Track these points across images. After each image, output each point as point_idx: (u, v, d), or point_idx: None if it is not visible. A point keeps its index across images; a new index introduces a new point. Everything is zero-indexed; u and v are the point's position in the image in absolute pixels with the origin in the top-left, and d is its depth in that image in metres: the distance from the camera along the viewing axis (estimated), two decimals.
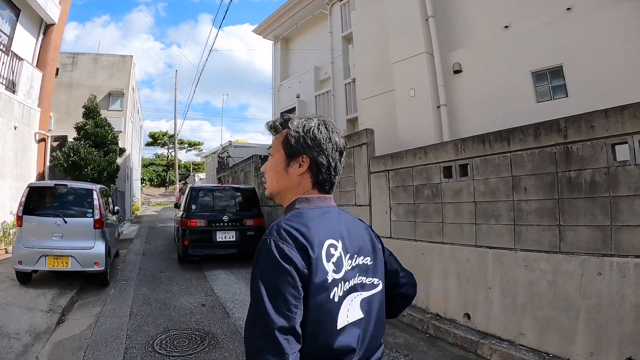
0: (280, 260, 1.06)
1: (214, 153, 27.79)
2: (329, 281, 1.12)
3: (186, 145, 59.80)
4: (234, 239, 9.10)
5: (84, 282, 7.66)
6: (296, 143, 1.28)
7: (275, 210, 10.98)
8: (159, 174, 58.05)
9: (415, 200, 6.43)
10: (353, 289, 1.21)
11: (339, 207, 1.35)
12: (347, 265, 1.20)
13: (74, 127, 14.59)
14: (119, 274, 8.82)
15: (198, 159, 56.23)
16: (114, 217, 9.53)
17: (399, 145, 8.99)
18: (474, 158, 5.40)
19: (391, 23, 10.02)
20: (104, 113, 17.21)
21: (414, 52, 9.35)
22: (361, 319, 1.22)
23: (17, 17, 12.63)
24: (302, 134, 1.28)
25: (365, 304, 1.24)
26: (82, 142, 13.84)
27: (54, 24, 14.25)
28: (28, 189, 7.17)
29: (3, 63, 11.42)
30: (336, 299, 1.14)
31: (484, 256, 5.15)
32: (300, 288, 1.07)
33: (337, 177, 1.32)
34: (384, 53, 10.67)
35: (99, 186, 7.99)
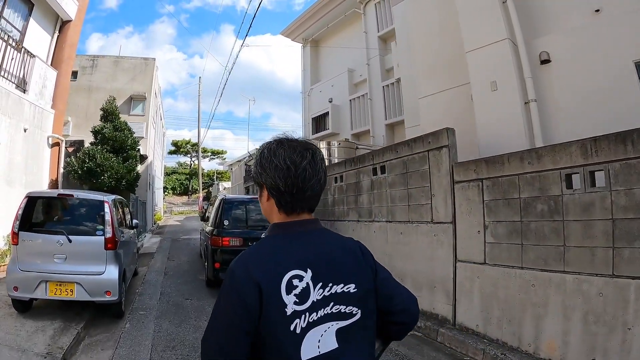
0: (235, 288, 1.12)
1: (240, 161, 26.56)
2: (289, 314, 1.12)
3: (209, 154, 59.02)
4: None
5: (94, 312, 6.30)
6: (254, 173, 1.35)
7: (332, 224, 9.49)
8: (182, 183, 57.32)
9: (523, 217, 4.89)
10: (326, 319, 1.18)
11: (322, 229, 1.33)
12: (316, 295, 1.17)
13: (91, 131, 13.27)
14: (137, 301, 7.40)
15: (221, 168, 55.65)
16: (133, 232, 8.16)
17: (477, 149, 7.57)
18: (612, 162, 4.06)
19: (462, 7, 8.47)
20: (124, 118, 16.00)
21: (494, 38, 7.81)
22: (335, 349, 1.18)
23: (30, 12, 11.54)
24: (255, 162, 1.34)
25: (342, 334, 1.20)
26: (99, 146, 12.54)
27: (70, 21, 13.20)
28: (26, 199, 5.81)
29: (13, 59, 10.29)
30: (298, 331, 1.13)
31: (625, 289, 3.89)
32: (250, 319, 1.10)
33: (299, 194, 1.24)
34: (447, 44, 9.35)
35: (112, 197, 6.60)
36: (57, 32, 12.99)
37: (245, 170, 21.41)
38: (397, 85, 15.47)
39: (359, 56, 17.95)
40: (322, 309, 1.17)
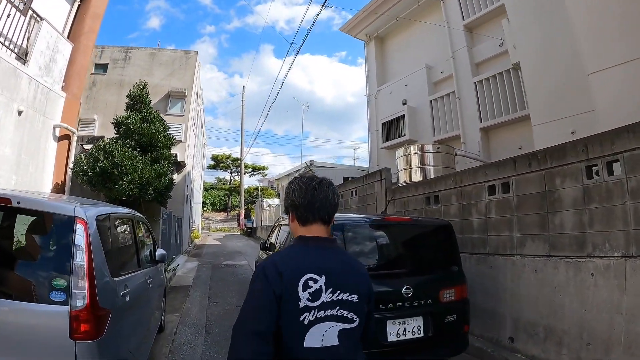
0: (266, 281, 1.41)
1: (288, 176, 23.36)
2: (301, 307, 1.40)
3: (250, 170, 56.33)
4: (422, 334, 3.85)
5: None
6: (285, 202, 1.84)
7: (483, 260, 5.68)
8: (221, 198, 55.02)
9: None
10: (332, 319, 1.45)
11: (336, 247, 1.66)
12: (326, 297, 1.44)
13: (112, 122, 10.02)
14: None
15: (261, 184, 53.58)
16: (157, 268, 4.88)
17: None
18: None
19: None
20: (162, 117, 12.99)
21: None
22: (336, 346, 1.45)
23: None
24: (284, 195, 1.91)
25: (343, 334, 1.46)
26: (120, 141, 9.31)
27: None
28: None
29: (9, 16, 7.47)
30: (306, 322, 1.40)
31: None
32: (276, 302, 1.38)
33: (310, 206, 1.59)
34: None
35: (103, 209, 3.15)
36: (79, 1, 10.18)
37: None
38: (495, 80, 12.24)
39: (438, 50, 14.99)
40: (330, 310, 1.45)
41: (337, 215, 4.46)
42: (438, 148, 10.42)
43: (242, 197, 32.42)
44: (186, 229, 18.68)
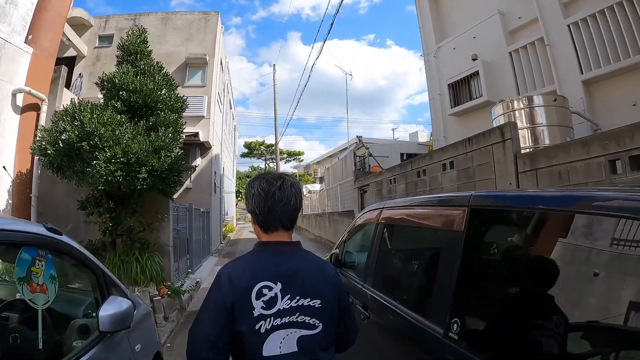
0: (219, 289, 1.38)
1: (331, 157, 20.54)
2: (255, 315, 1.34)
3: (285, 156, 54.34)
4: None
5: None
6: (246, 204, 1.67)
7: None
8: None
9: None
10: (291, 325, 1.38)
11: (299, 250, 1.55)
12: (283, 304, 1.38)
13: (95, 83, 7.09)
14: None
15: (297, 171, 51.89)
16: (113, 341, 2.20)
17: None
18: None
19: None
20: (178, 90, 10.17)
21: None
22: (294, 352, 1.38)
23: None
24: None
25: (303, 341, 1.39)
26: (103, 102, 6.46)
27: None
28: None
29: None
30: (262, 330, 1.35)
31: None
32: (228, 314, 1.34)
33: (270, 214, 1.50)
34: None
35: None
36: None
37: (356, 163, 15.05)
38: (595, 20, 9.53)
39: None
40: (289, 317, 1.39)
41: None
42: (555, 100, 7.55)
43: None
44: (216, 223, 16.15)
